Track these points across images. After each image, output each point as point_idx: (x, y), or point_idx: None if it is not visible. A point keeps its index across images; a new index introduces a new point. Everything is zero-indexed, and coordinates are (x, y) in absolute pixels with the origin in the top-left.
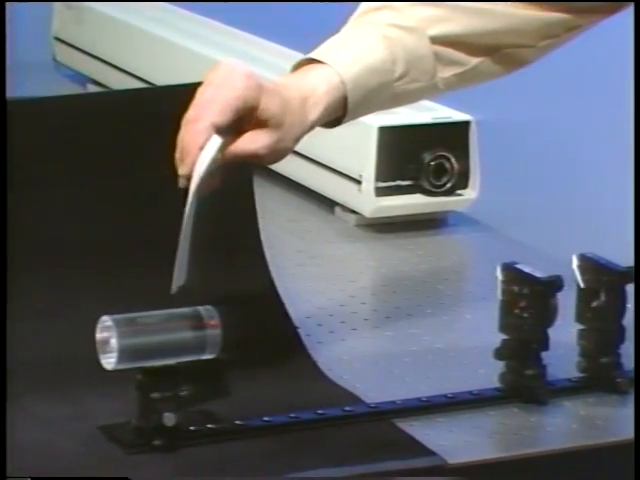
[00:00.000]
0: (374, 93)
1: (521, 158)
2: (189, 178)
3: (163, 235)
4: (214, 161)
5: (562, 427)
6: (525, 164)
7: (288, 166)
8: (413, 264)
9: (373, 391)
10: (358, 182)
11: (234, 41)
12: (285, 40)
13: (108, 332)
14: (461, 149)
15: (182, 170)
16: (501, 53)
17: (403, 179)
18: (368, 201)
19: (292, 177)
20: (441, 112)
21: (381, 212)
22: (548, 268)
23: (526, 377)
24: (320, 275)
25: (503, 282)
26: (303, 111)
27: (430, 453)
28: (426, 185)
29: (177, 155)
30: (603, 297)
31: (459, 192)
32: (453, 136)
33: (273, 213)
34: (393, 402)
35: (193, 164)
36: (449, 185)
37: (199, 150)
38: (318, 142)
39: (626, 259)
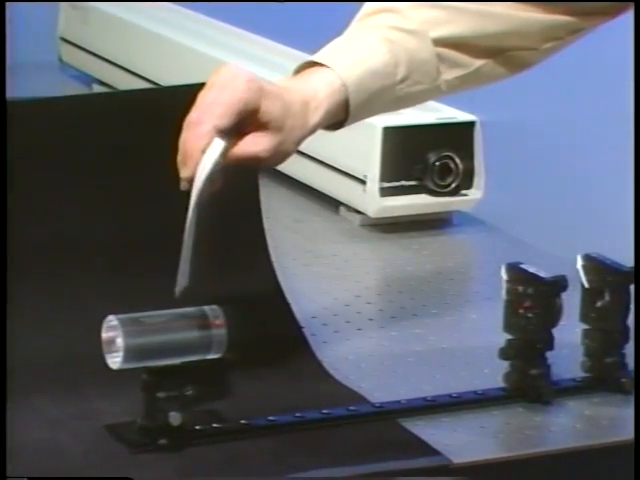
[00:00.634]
0: (376, 96)
1: (526, 158)
2: (191, 181)
3: (169, 235)
4: (216, 164)
5: (566, 427)
6: (530, 164)
7: (293, 166)
8: (418, 264)
9: (378, 391)
10: (363, 182)
11: (239, 41)
12: (289, 40)
13: (114, 332)
14: (466, 149)
15: (184, 173)
16: (504, 55)
17: (408, 179)
18: (373, 201)
19: (297, 177)
20: (446, 112)
21: (386, 212)
22: (553, 268)
23: (531, 377)
24: (325, 275)
25: (508, 282)
26: (304, 114)
27: (435, 453)
28: (431, 185)
29: (179, 158)
30: (607, 297)
31: (464, 192)
32: (458, 136)
33: (278, 213)
34: (398, 402)
35: (195, 167)
36: (454, 185)
37: (201, 153)
38: (323, 142)
39: (631, 259)
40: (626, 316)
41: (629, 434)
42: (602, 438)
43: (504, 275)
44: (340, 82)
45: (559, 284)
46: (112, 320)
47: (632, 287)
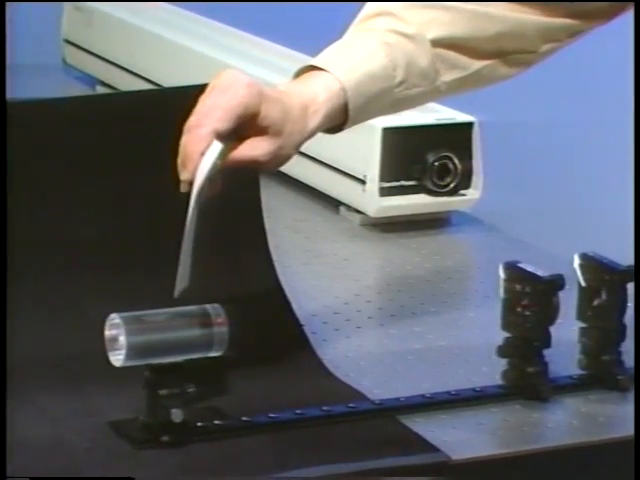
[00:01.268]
0: (375, 99)
1: (523, 158)
2: (191, 183)
3: (172, 234)
4: (214, 167)
5: (564, 424)
6: (527, 164)
7: (294, 167)
8: (417, 263)
9: (378, 388)
10: (363, 182)
11: (240, 43)
12: (291, 42)
13: (117, 329)
14: (464, 150)
15: (184, 176)
16: (503, 58)
17: (407, 179)
18: (372, 201)
19: (298, 177)
20: (445, 113)
21: (385, 212)
22: (550, 267)
23: (528, 374)
24: (325, 274)
25: (506, 281)
26: (304, 119)
27: (434, 449)
28: (430, 185)
29: (179, 161)
30: (604, 296)
31: (462, 192)
32: (456, 137)
33: (279, 213)
34: (397, 399)
35: (194, 170)
36: (452, 185)
37: (200, 156)
38: (323, 143)
39: (627, 258)
40: (622, 314)
41: (626, 431)
42: (599, 435)
43: (502, 274)
44: (339, 86)
45: (556, 283)
46: (115, 318)
47: (629, 286)
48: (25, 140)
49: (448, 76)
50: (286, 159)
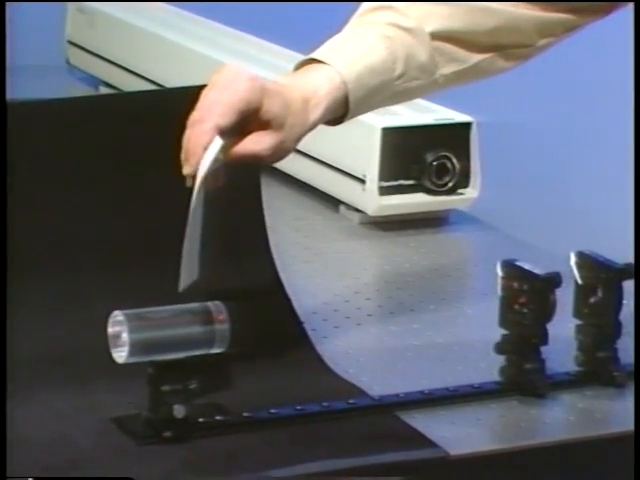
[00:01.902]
0: (375, 92)
1: (520, 158)
2: (194, 177)
3: (174, 232)
4: (216, 161)
5: (560, 419)
6: (524, 164)
7: (295, 166)
8: (416, 261)
9: (377, 384)
10: (362, 181)
11: (242, 44)
12: (290, 42)
13: (120, 326)
14: (462, 149)
15: (186, 170)
16: (501, 52)
17: (406, 178)
18: (372, 200)
19: (298, 177)
20: (443, 113)
21: (384, 210)
22: (547, 265)
23: (525, 371)
24: (325, 272)
25: (503, 278)
26: (305, 112)
27: (432, 445)
28: (428, 184)
29: (182, 156)
30: (600, 293)
31: (460, 191)
32: (455, 137)
33: (280, 211)
34: (396, 395)
35: (197, 164)
36: (451, 184)
37: (203, 150)
38: (323, 143)
39: (623, 256)
40: (618, 312)
41: (622, 426)
42: (595, 430)
43: (500, 272)
44: (340, 79)
45: (553, 280)
46: (118, 315)
47: (624, 284)
48: (30, 140)
49: (446, 69)
50: (287, 152)
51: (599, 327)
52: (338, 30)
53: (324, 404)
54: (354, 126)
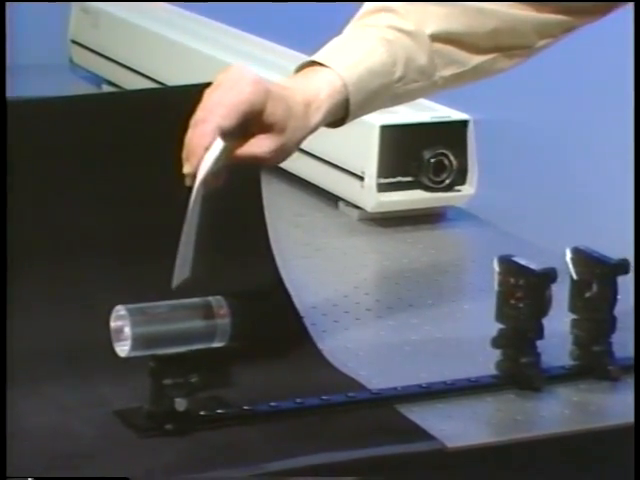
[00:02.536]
0: (375, 94)
1: (516, 156)
2: (194, 177)
3: (177, 228)
4: (217, 162)
5: (556, 412)
6: (520, 161)
7: (294, 163)
8: (414, 257)
9: (375, 378)
10: (361, 178)
11: (242, 44)
12: (291, 42)
13: (122, 321)
14: (459, 147)
15: (187, 169)
16: (500, 53)
17: (404, 175)
18: (370, 196)
19: (298, 174)
20: (440, 111)
21: (383, 207)
22: (543, 260)
23: (522, 365)
24: (325, 267)
25: (500, 274)
26: (306, 115)
27: (430, 437)
28: (426, 181)
29: (183, 155)
30: (595, 288)
31: (457, 188)
32: (452, 134)
33: (280, 208)
34: (395, 388)
35: (198, 164)
36: (448, 181)
37: (204, 151)
38: (323, 140)
39: (618, 252)
40: (613, 306)
41: (616, 419)
42: (590, 423)
43: (496, 267)
44: (341, 82)
45: (549, 276)
46: (120, 310)
47: (621, 280)
48: (33, 137)
49: (446, 71)
50: (288, 155)
51: (594, 322)
52: (340, 30)
53: (323, 397)
54: (353, 124)
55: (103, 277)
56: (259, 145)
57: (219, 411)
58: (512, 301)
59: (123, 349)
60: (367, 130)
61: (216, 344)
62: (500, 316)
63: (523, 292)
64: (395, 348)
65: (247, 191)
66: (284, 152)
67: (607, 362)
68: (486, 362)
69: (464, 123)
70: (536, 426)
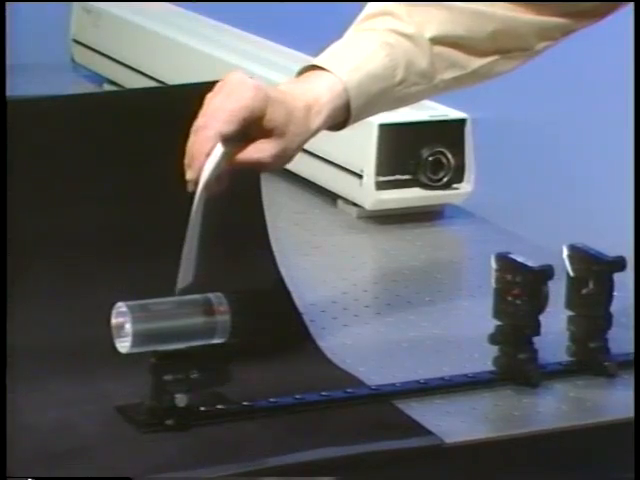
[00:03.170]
0: (376, 98)
1: (514, 154)
2: (196, 183)
3: (178, 225)
4: (218, 167)
5: (553, 408)
6: (517, 160)
7: (294, 162)
8: (412, 254)
9: (374, 374)
10: (360, 176)
11: (246, 44)
12: (293, 42)
13: (123, 317)
14: (457, 145)
15: (189, 175)
16: (500, 56)
17: (402, 174)
18: (369, 194)
19: (297, 172)
20: (438, 110)
21: (381, 205)
22: (540, 258)
23: (519, 361)
24: (324, 264)
25: (497, 271)
26: (307, 120)
27: (428, 433)
28: (424, 179)
29: (185, 161)
30: (592, 285)
31: (455, 186)
32: (450, 133)
33: (279, 206)
34: (393, 384)
35: (199, 170)
36: (446, 179)
37: (206, 157)
38: (322, 139)
39: (614, 249)
40: (609, 303)
41: (612, 415)
42: (586, 419)
43: (494, 264)
44: (341, 87)
45: (546, 273)
46: (121, 306)
47: (618, 277)
48: (35, 135)
49: (446, 74)
50: (289, 159)
51: (590, 318)
52: (342, 30)
53: (323, 393)
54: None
55: (104, 274)
56: (260, 150)
57: (219, 407)
58: (509, 298)
59: (124, 345)
60: (366, 128)
61: (216, 340)
62: (497, 313)
63: (520, 289)
64: (394, 344)
65: (247, 189)
66: (285, 157)
67: (603, 358)
68: (483, 358)
69: (462, 122)
70: (533, 422)
